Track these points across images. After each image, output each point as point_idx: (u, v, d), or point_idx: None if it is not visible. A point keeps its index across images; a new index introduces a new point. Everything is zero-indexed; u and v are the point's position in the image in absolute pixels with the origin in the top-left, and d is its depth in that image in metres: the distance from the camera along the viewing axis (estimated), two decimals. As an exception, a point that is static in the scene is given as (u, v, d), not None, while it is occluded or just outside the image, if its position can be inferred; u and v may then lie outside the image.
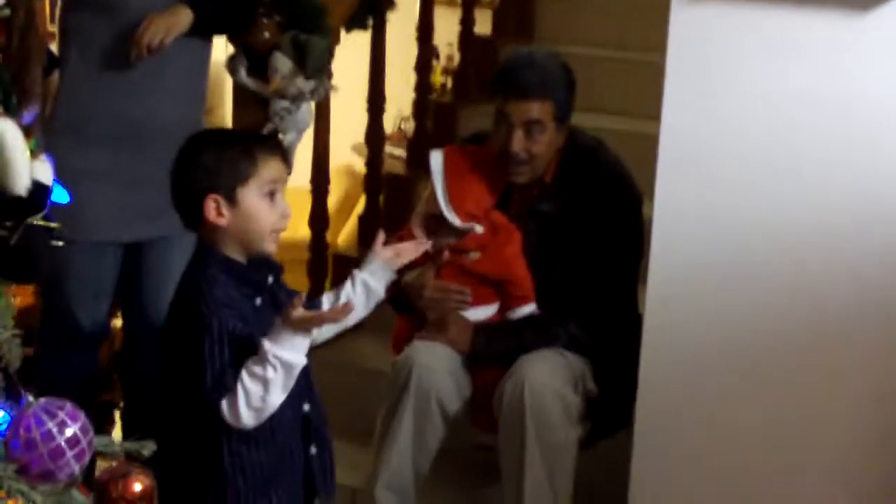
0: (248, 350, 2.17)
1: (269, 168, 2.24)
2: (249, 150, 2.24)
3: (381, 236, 2.45)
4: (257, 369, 2.14)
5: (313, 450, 2.36)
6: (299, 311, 2.15)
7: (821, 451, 2.53)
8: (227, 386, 2.14)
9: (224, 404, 2.15)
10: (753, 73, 2.45)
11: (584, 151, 2.94)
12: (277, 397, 2.16)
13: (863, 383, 2.47)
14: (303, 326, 2.15)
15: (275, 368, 2.13)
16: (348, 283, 2.41)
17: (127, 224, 2.90)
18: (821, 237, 2.45)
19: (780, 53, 2.42)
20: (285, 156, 2.32)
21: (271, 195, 2.25)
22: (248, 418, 2.16)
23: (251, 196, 2.23)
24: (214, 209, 2.22)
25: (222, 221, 2.23)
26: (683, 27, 2.48)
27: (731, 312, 2.55)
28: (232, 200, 2.22)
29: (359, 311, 2.40)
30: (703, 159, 2.52)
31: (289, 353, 2.14)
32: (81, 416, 1.81)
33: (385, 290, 2.45)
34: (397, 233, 3.01)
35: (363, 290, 2.41)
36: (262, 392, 2.14)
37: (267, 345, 2.14)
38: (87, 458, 1.80)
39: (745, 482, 2.61)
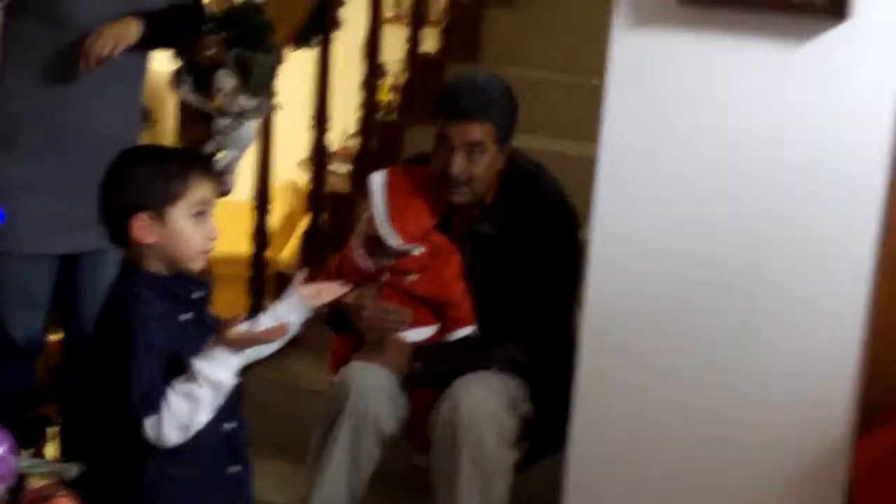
0: (174, 367, 2.17)
1: (199, 189, 2.24)
2: (181, 170, 2.23)
3: (302, 273, 2.44)
4: (186, 387, 2.14)
5: (237, 468, 2.35)
6: (235, 330, 2.15)
7: (755, 470, 2.55)
8: (153, 403, 2.13)
9: (149, 422, 2.14)
10: (691, 98, 2.46)
11: (524, 174, 2.95)
12: (204, 416, 2.16)
13: (793, 409, 2.49)
14: (237, 345, 2.15)
15: (203, 386, 2.14)
16: (261, 316, 2.37)
17: (62, 236, 2.88)
18: (758, 260, 2.47)
19: (718, 79, 2.44)
20: (217, 177, 2.34)
21: (200, 216, 2.24)
22: (172, 437, 2.15)
23: (179, 216, 2.22)
24: (142, 227, 2.22)
25: (150, 240, 2.22)
26: (623, 51, 2.50)
27: (667, 336, 2.57)
28: (160, 219, 2.22)
29: (269, 347, 2.37)
30: (640, 182, 2.53)
31: (220, 372, 2.15)
32: (8, 438, 1.79)
33: (300, 326, 2.41)
34: (339, 252, 3.01)
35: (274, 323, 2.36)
36: (189, 411, 2.14)
37: (198, 363, 2.14)
38: (12, 480, 1.78)
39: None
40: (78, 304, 2.95)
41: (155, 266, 2.24)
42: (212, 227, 2.26)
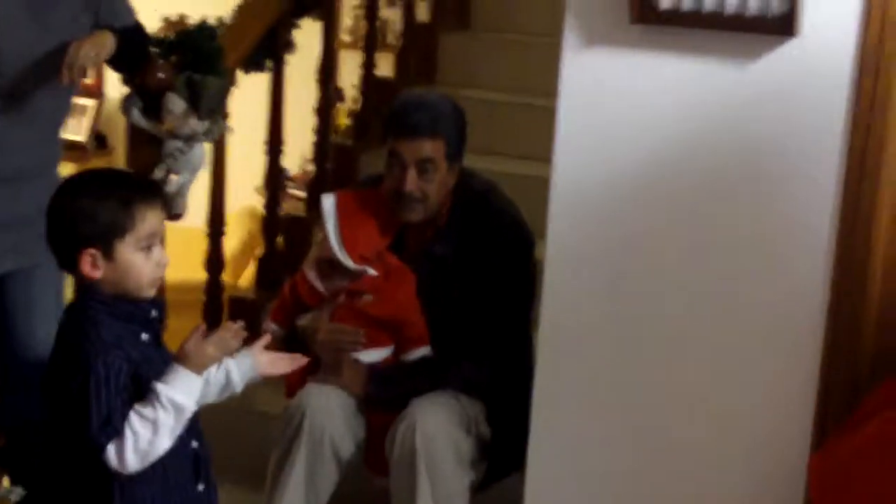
0: (135, 391, 2.14)
1: (146, 222, 2.20)
2: (126, 204, 2.19)
3: (264, 339, 2.43)
4: (147, 412, 2.12)
5: (201, 487, 2.33)
6: (192, 342, 2.13)
7: (715, 482, 2.55)
8: (114, 429, 2.11)
9: (111, 449, 2.11)
10: (643, 116, 2.47)
11: (477, 194, 2.95)
12: (166, 442, 2.14)
13: (756, 424, 2.50)
14: (198, 360, 2.14)
15: (166, 410, 2.11)
16: (213, 367, 2.32)
17: None
18: (713, 277, 2.48)
19: (669, 97, 2.45)
20: (164, 204, 2.29)
21: (148, 248, 2.22)
22: (133, 463, 2.13)
23: (127, 251, 2.19)
24: (90, 263, 2.19)
25: (97, 274, 2.20)
26: (574, 71, 2.51)
27: (624, 355, 2.57)
28: (108, 255, 2.19)
29: (211, 396, 2.35)
30: (593, 200, 2.54)
31: (181, 395, 2.13)
32: None
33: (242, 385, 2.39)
34: (292, 277, 3.00)
35: (224, 378, 2.37)
36: (150, 435, 2.12)
37: (160, 387, 2.12)
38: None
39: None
40: (9, 325, 2.87)
41: (108, 290, 2.22)
42: (161, 256, 2.24)
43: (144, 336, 2.24)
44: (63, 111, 2.83)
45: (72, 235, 2.21)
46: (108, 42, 2.70)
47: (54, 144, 2.84)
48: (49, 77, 2.70)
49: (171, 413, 2.12)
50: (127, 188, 2.25)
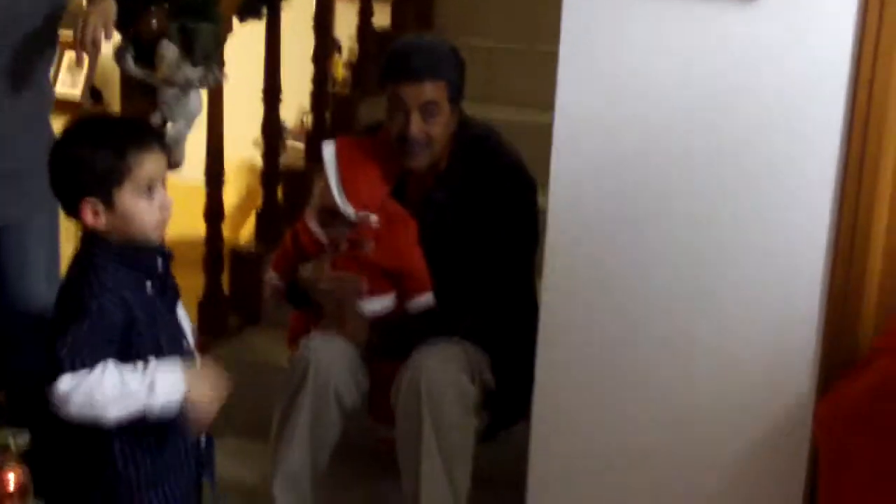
0: (126, 338, 2.14)
1: (143, 166, 2.19)
2: (120, 150, 2.18)
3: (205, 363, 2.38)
4: (127, 371, 2.12)
5: (203, 441, 2.34)
6: None
7: (714, 443, 2.54)
8: (80, 361, 2.09)
9: (67, 378, 2.09)
10: (645, 59, 2.45)
11: (477, 139, 2.93)
12: (115, 412, 2.12)
13: (757, 376, 2.48)
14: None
15: (143, 382, 2.12)
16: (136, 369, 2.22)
17: None
18: (717, 223, 2.46)
19: (673, 39, 2.42)
20: (163, 147, 2.27)
21: (149, 191, 2.20)
22: (76, 404, 2.10)
23: (127, 197, 2.18)
24: (91, 212, 2.19)
25: (100, 224, 2.19)
26: (575, 14, 2.48)
27: (627, 304, 2.56)
28: (108, 203, 2.18)
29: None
30: (597, 145, 2.52)
31: (165, 384, 2.14)
32: None
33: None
34: (293, 227, 2.97)
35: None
36: (112, 393, 2.11)
37: (155, 362, 2.14)
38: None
39: (643, 472, 2.61)
40: (4, 281, 2.82)
41: (115, 238, 2.21)
42: (163, 198, 2.23)
43: (149, 285, 2.23)
44: (33, 54, 2.72)
45: (70, 186, 2.22)
46: (109, 6, 2.65)
47: (35, 96, 2.76)
48: (12, 28, 2.63)
49: (144, 389, 2.12)
50: (121, 134, 2.24)
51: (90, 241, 2.23)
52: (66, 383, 2.10)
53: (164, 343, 2.24)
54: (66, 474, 2.23)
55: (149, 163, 2.20)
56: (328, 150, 2.82)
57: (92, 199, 2.18)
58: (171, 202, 2.24)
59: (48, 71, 2.83)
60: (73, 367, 2.10)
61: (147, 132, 2.30)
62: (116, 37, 2.87)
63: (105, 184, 2.17)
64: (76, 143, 2.23)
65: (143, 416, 2.14)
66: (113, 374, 2.11)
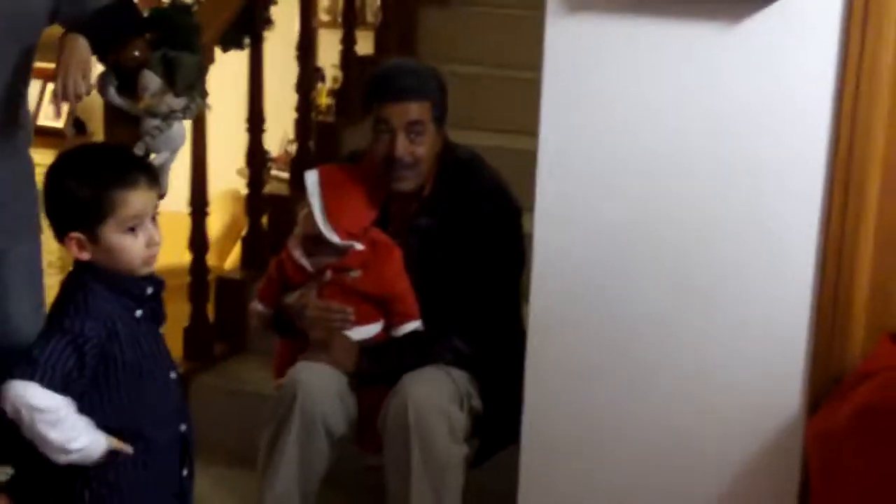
0: (103, 366, 2.14)
1: (127, 204, 2.16)
2: (104, 188, 2.16)
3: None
4: (70, 419, 2.13)
5: (185, 472, 2.30)
6: None
7: (705, 465, 2.54)
8: (37, 374, 2.08)
9: (17, 384, 2.08)
10: (627, 83, 2.45)
11: (461, 164, 2.93)
12: (33, 435, 2.12)
13: (747, 397, 2.48)
14: None
15: (66, 423, 2.12)
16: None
17: None
18: (702, 243, 2.46)
19: (655, 65, 2.43)
20: (152, 182, 2.23)
21: (134, 228, 2.18)
22: (9, 409, 2.10)
23: (111, 234, 2.17)
24: (76, 246, 2.18)
25: (85, 256, 2.19)
26: (558, 39, 2.49)
27: (614, 324, 2.55)
28: (92, 238, 2.17)
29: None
30: (581, 168, 2.52)
31: (87, 436, 2.14)
32: None
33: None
34: (277, 256, 2.97)
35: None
36: (46, 428, 2.11)
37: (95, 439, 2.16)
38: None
39: (634, 496, 2.60)
40: None
41: (102, 266, 2.20)
42: (150, 235, 2.21)
43: (139, 312, 2.21)
44: (12, 85, 2.69)
45: (58, 217, 2.21)
46: (85, 52, 2.63)
47: (12, 126, 2.73)
48: None
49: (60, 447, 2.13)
50: (106, 170, 2.21)
51: (81, 264, 2.22)
52: (11, 388, 2.09)
53: (145, 370, 2.22)
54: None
55: (134, 200, 2.17)
56: (311, 178, 2.82)
57: (76, 235, 2.17)
58: (159, 238, 2.22)
59: (24, 104, 2.80)
60: (24, 376, 2.09)
61: (135, 167, 2.25)
62: (99, 67, 2.88)
63: (89, 220, 2.16)
64: (62, 175, 2.22)
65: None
66: (55, 422, 2.11)
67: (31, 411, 2.09)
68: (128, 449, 2.18)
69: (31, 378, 2.09)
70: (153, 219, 2.22)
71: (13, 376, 2.09)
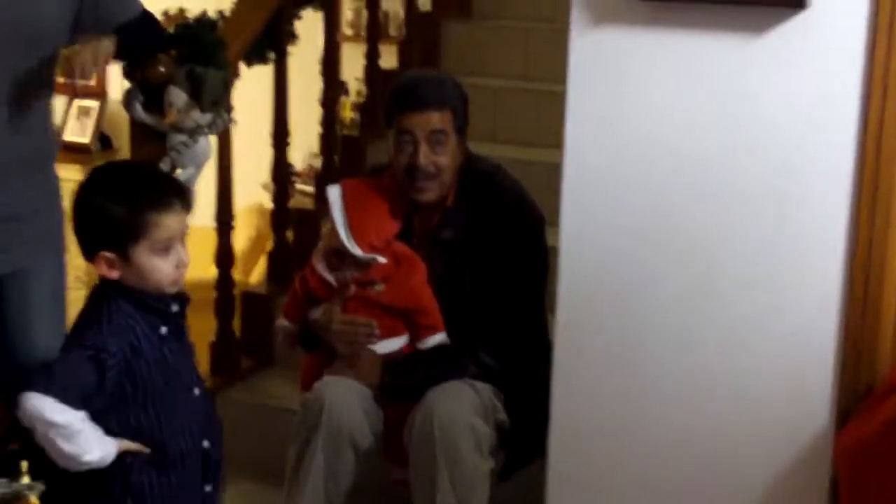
0: (125, 382, 2.15)
1: (161, 226, 2.17)
2: (139, 210, 2.16)
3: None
4: (86, 431, 2.14)
5: (209, 488, 2.30)
6: None
7: (734, 478, 2.53)
8: (52, 389, 2.09)
9: (33, 396, 2.09)
10: (652, 94, 2.46)
11: (483, 175, 2.93)
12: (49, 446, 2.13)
13: (776, 411, 2.47)
14: None
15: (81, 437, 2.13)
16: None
17: None
18: (728, 257, 2.45)
19: (680, 76, 2.43)
20: (185, 204, 2.24)
21: (166, 249, 2.19)
22: (24, 417, 2.11)
23: (143, 255, 2.18)
24: (105, 265, 2.18)
25: (114, 276, 2.19)
26: (583, 50, 2.49)
27: (641, 336, 2.55)
28: (123, 258, 2.18)
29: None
30: (606, 182, 2.52)
31: (98, 444, 2.15)
32: None
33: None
34: (301, 271, 2.97)
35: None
36: (60, 439, 2.12)
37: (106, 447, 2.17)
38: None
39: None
40: (6, 333, 2.72)
41: (129, 284, 2.21)
42: (181, 256, 2.22)
43: (164, 329, 2.22)
44: (32, 96, 2.63)
45: (88, 236, 2.20)
46: (107, 47, 2.62)
47: (35, 138, 2.68)
48: (2, 55, 2.54)
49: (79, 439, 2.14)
50: (142, 191, 2.21)
51: (107, 283, 2.22)
52: (29, 399, 2.10)
53: (169, 386, 2.23)
54: None
55: (168, 222, 2.18)
56: (333, 192, 2.83)
57: (106, 254, 2.17)
58: (188, 259, 2.23)
59: (48, 118, 2.78)
60: (40, 388, 2.10)
61: (169, 189, 2.25)
62: (126, 83, 2.88)
63: (121, 240, 2.17)
64: (96, 193, 2.21)
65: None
66: (71, 433, 2.12)
67: (46, 425, 2.11)
68: (144, 449, 2.20)
69: (47, 392, 2.09)
70: (182, 239, 2.23)
71: (30, 387, 2.10)
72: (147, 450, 2.21)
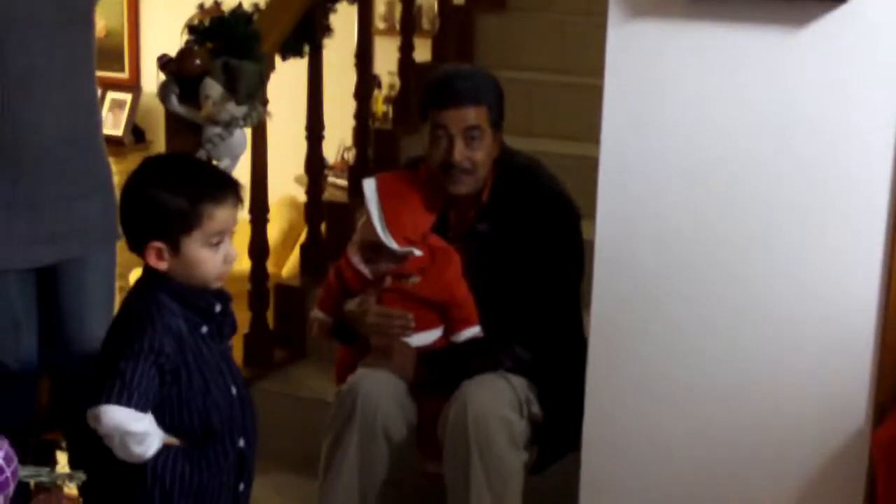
0: (173, 378, 2.17)
1: (215, 219, 2.18)
2: (196, 201, 2.17)
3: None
4: (152, 432, 2.18)
5: (242, 487, 2.32)
6: None
7: (769, 473, 2.51)
8: (126, 399, 2.11)
9: (111, 408, 2.12)
10: (691, 88, 2.44)
11: (519, 170, 2.92)
12: (125, 443, 2.17)
13: (813, 406, 2.46)
14: None
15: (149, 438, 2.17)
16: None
17: (22, 251, 2.67)
18: (764, 253, 2.44)
19: (717, 68, 2.42)
20: (238, 199, 2.24)
21: (217, 243, 2.20)
22: (106, 435, 2.14)
23: (194, 247, 2.18)
24: (155, 255, 2.19)
25: (163, 266, 2.20)
26: (620, 46, 2.48)
27: (675, 331, 2.54)
28: (174, 249, 2.18)
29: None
30: (643, 177, 2.51)
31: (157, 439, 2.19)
32: (4, 445, 1.76)
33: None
34: (336, 264, 2.97)
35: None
36: (131, 441, 2.15)
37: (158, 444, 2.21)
38: (10, 489, 1.75)
39: (694, 501, 2.58)
40: (61, 319, 2.79)
41: (174, 277, 2.21)
42: (228, 251, 2.23)
43: (204, 329, 2.23)
44: (74, 73, 2.63)
45: (139, 225, 2.21)
46: None
47: (77, 114, 2.67)
48: (40, 32, 2.56)
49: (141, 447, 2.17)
50: (199, 184, 2.22)
51: (152, 276, 2.22)
52: (105, 411, 2.12)
53: (207, 384, 2.24)
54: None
55: (222, 216, 2.19)
56: (369, 185, 2.83)
57: (157, 244, 2.18)
58: (235, 255, 2.24)
59: (92, 92, 2.76)
60: (121, 402, 2.11)
61: (225, 183, 2.26)
62: (161, 75, 2.90)
63: (175, 230, 2.17)
64: (152, 183, 2.21)
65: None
66: (140, 435, 2.15)
67: (126, 435, 2.14)
68: (178, 442, 2.23)
69: (127, 404, 2.12)
70: (231, 234, 2.24)
71: (108, 400, 2.12)
72: (179, 442, 2.23)
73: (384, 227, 2.77)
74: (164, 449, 2.20)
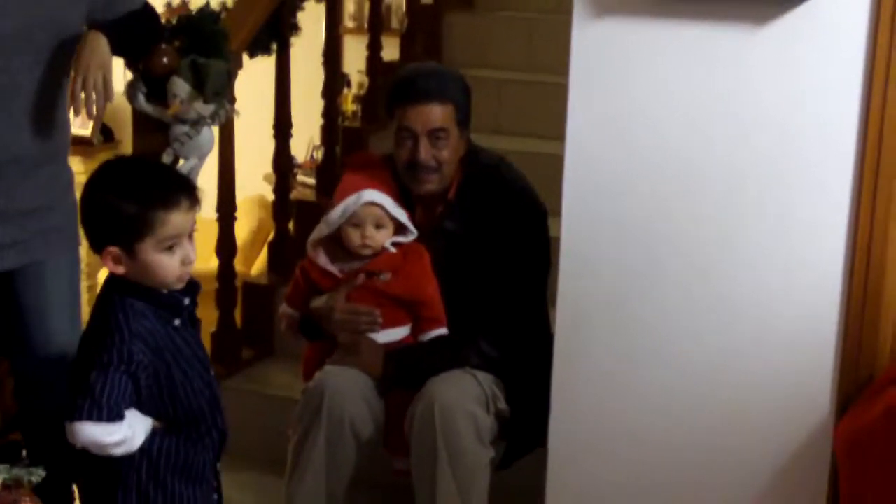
0: (154, 378, 2.17)
1: (167, 224, 2.16)
2: (145, 208, 2.16)
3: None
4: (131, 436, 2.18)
5: (218, 466, 2.35)
6: None
7: (733, 468, 2.54)
8: (97, 413, 2.11)
9: (84, 427, 2.12)
10: (654, 86, 2.46)
11: (486, 167, 2.93)
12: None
13: (776, 400, 2.48)
14: None
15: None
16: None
17: None
18: (728, 248, 2.46)
19: (682, 68, 2.43)
20: (193, 201, 2.23)
21: (171, 247, 2.19)
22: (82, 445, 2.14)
23: (149, 252, 2.17)
24: (112, 260, 2.18)
25: (120, 271, 2.19)
26: (585, 43, 2.49)
27: (641, 327, 2.56)
28: (130, 254, 2.18)
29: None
30: (608, 174, 2.52)
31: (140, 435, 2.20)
32: None
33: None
34: (300, 263, 2.97)
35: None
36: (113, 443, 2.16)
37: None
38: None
39: (660, 499, 2.60)
40: (22, 323, 2.74)
41: (137, 281, 2.21)
42: (187, 253, 2.21)
43: (177, 322, 2.23)
44: (49, 92, 2.64)
45: (96, 230, 2.21)
46: (106, 52, 2.59)
47: (51, 130, 2.68)
48: (28, 51, 2.55)
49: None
50: (150, 189, 2.20)
51: (116, 280, 2.22)
52: (80, 427, 2.12)
53: (187, 374, 2.25)
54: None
55: (175, 220, 2.17)
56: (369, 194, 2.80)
57: (113, 249, 2.17)
58: (194, 256, 2.23)
59: (63, 108, 2.76)
60: (92, 418, 2.12)
61: (177, 187, 2.23)
62: (128, 74, 2.89)
63: (128, 236, 2.16)
64: (105, 188, 2.21)
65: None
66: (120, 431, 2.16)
67: (103, 447, 2.15)
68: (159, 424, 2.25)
69: (99, 419, 2.12)
70: (190, 236, 2.22)
71: (80, 417, 2.12)
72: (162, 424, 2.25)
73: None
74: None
